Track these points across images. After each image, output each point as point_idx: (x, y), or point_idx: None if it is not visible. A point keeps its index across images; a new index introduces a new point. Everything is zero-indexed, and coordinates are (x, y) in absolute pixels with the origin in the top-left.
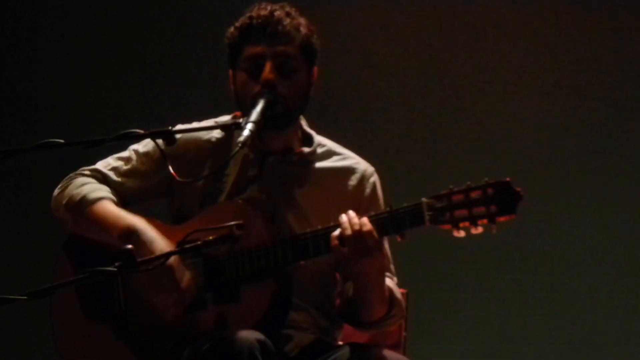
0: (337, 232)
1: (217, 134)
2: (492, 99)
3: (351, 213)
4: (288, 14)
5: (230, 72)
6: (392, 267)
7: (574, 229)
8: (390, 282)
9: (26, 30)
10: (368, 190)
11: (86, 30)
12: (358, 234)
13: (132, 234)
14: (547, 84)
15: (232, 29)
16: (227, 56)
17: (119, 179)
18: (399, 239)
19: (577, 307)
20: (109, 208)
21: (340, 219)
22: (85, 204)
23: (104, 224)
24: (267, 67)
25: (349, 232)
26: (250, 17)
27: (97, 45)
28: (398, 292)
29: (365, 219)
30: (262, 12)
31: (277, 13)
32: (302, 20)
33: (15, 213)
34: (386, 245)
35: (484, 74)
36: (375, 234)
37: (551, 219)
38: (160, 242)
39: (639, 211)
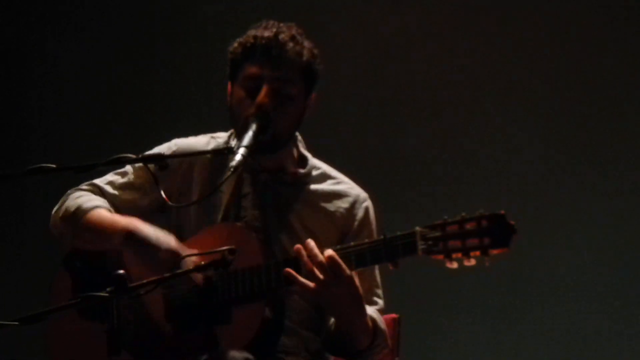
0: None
1: (211, 146)
2: (490, 130)
3: (310, 243)
4: (293, 38)
5: (229, 84)
6: (379, 291)
7: (568, 255)
8: (373, 312)
9: (17, 52)
10: (360, 214)
11: (77, 53)
12: (319, 265)
13: (128, 234)
14: (545, 114)
15: (236, 43)
16: (229, 68)
17: (115, 192)
18: (391, 268)
19: (570, 332)
20: (104, 215)
21: (297, 252)
22: (80, 214)
23: (100, 231)
24: (263, 91)
25: (309, 265)
26: (255, 37)
27: (89, 67)
28: (382, 322)
29: (329, 250)
30: (267, 34)
31: (281, 37)
32: (307, 44)
33: (7, 238)
34: (376, 271)
35: (483, 101)
36: (339, 261)
37: (545, 245)
38: (158, 234)
39: (634, 238)
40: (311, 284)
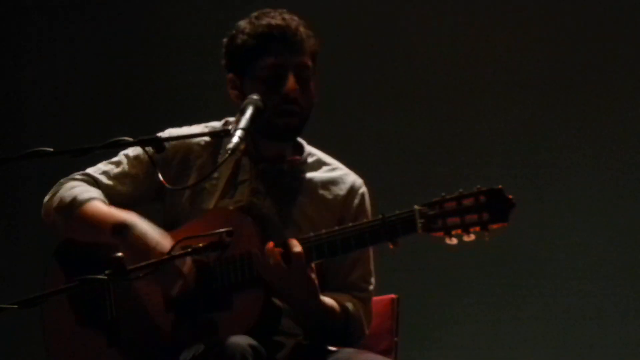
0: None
1: (207, 137)
2: (485, 105)
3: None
4: (300, 24)
5: (231, 76)
6: (371, 278)
7: (568, 233)
8: (348, 301)
9: (13, 36)
10: (356, 201)
11: (75, 36)
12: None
13: (124, 228)
14: (541, 89)
15: (244, 36)
16: (236, 61)
17: (109, 182)
18: (391, 247)
19: (571, 312)
20: (100, 207)
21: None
22: (76, 205)
23: (95, 223)
24: (291, 79)
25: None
26: (269, 26)
27: (86, 52)
28: (356, 312)
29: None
30: (279, 22)
31: (293, 24)
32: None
33: (3, 222)
34: (371, 259)
35: (477, 79)
36: (279, 259)
37: (544, 224)
38: (153, 234)
39: (634, 215)
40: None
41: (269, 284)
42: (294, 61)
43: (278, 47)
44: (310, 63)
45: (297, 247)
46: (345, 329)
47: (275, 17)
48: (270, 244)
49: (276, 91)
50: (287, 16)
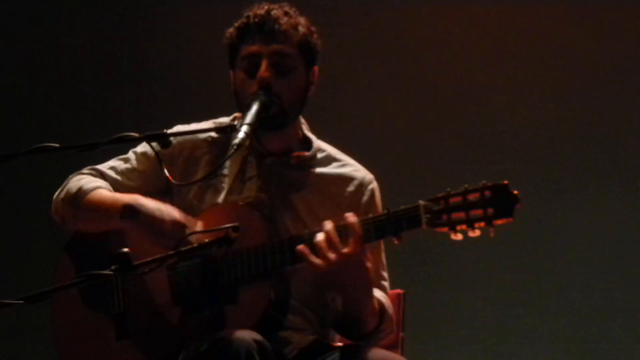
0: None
1: (214, 133)
2: (491, 101)
3: (328, 224)
4: (286, 13)
5: (231, 72)
6: (385, 274)
7: (574, 228)
8: (382, 296)
9: (20, 33)
10: (366, 197)
11: (81, 32)
12: (331, 244)
13: (132, 210)
14: (545, 85)
15: (230, 29)
16: (228, 56)
17: (117, 177)
18: (395, 242)
19: (576, 307)
20: (106, 193)
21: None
22: (82, 194)
23: (102, 209)
24: (263, 65)
25: (323, 243)
26: (248, 17)
27: (93, 48)
28: (390, 307)
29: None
30: (259, 11)
31: (274, 12)
32: (301, 20)
33: (11, 217)
34: (383, 253)
35: (482, 76)
36: (338, 240)
37: (550, 219)
38: (161, 207)
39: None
40: (322, 262)
41: (325, 275)
42: (269, 49)
43: (254, 36)
44: (291, 52)
45: (357, 228)
46: (378, 325)
47: (261, 9)
48: (331, 225)
49: (254, 79)
50: (275, 7)
